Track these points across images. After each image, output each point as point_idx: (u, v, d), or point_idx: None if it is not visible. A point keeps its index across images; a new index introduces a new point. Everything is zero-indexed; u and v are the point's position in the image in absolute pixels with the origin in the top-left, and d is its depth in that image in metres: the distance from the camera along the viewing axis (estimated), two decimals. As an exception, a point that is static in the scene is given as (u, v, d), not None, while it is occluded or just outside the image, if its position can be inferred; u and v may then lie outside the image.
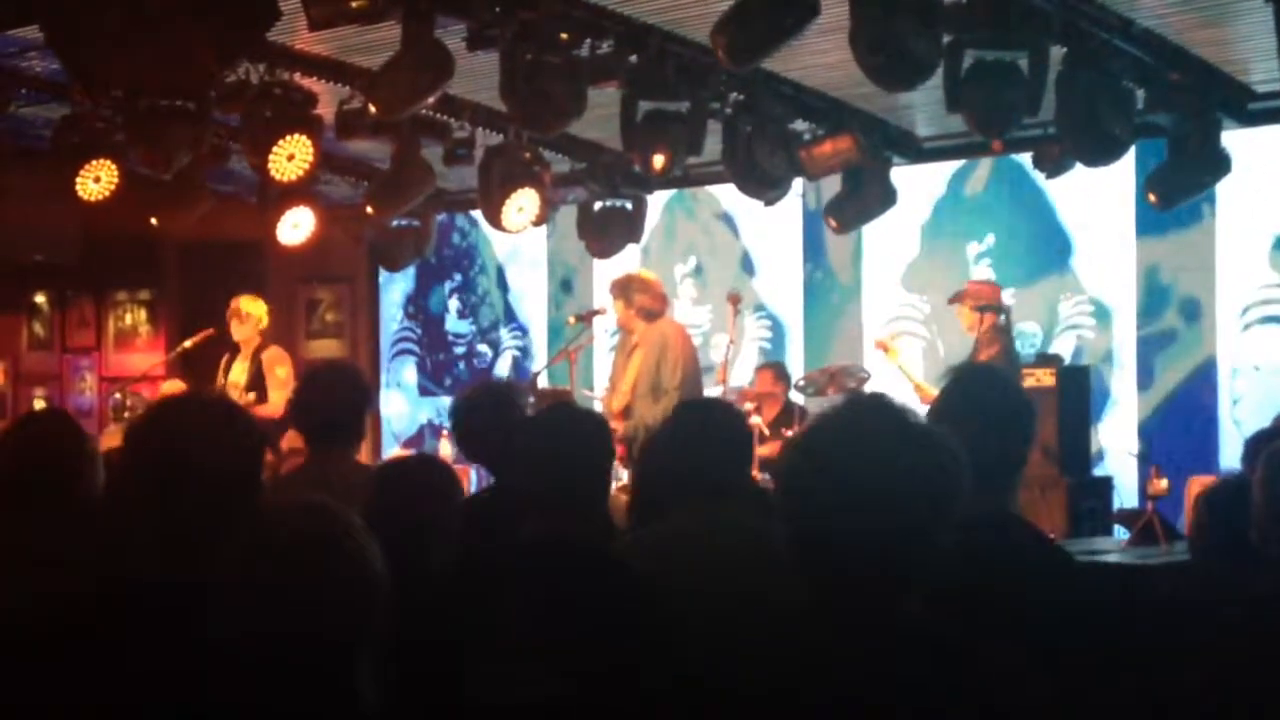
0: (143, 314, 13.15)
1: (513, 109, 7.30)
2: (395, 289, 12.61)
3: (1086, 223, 9.48)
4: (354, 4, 6.28)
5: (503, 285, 12.06)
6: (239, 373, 9.13)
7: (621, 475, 7.67)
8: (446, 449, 9.17)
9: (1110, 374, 9.36)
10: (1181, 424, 9.06)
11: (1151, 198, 8.03)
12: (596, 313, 9.45)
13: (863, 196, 8.98)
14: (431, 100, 7.23)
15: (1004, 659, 2.31)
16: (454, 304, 12.31)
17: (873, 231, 9.79)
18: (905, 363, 8.85)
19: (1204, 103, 7.65)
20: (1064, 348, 9.39)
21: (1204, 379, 9.03)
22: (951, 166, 9.89)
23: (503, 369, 11.97)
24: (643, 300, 8.38)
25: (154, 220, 9.69)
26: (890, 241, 10.07)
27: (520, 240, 10.79)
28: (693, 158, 8.04)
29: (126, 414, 11.56)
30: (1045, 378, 8.16)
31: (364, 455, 7.16)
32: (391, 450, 11.87)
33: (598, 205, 9.87)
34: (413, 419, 12.47)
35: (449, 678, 2.53)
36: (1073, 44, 6.84)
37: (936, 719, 2.17)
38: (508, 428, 4.35)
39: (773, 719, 2.21)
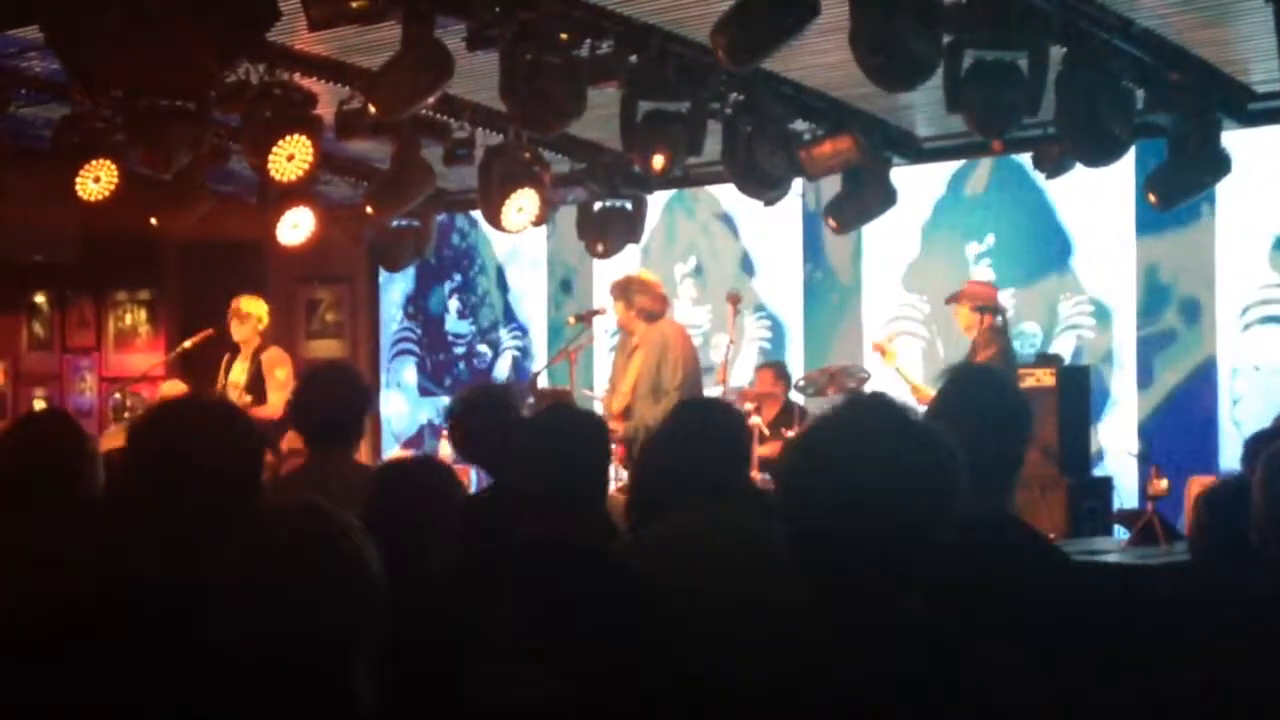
0: (143, 314, 13.16)
1: (513, 109, 7.30)
2: (395, 289, 12.61)
3: (1086, 223, 9.48)
4: (354, 4, 6.28)
5: (502, 285, 12.06)
6: (239, 373, 9.13)
7: (621, 475, 7.67)
8: (446, 449, 9.17)
9: (1110, 374, 9.37)
10: (1181, 424, 9.06)
11: (1151, 198, 8.03)
12: (596, 313, 9.45)
13: (863, 197, 8.98)
14: (431, 100, 7.23)
15: (1003, 659, 2.31)
16: (454, 304, 12.32)
17: (873, 231, 9.79)
18: (902, 365, 8.86)
19: (1204, 103, 7.65)
20: (1064, 348, 9.39)
21: (1204, 379, 9.03)
22: (951, 166, 9.89)
23: (503, 369, 11.97)
24: (643, 301, 8.38)
25: (154, 220, 9.69)
26: (890, 241, 10.07)
27: (520, 240, 10.79)
28: (693, 158, 8.05)
29: (126, 414, 11.55)
30: (1045, 378, 8.17)
31: (364, 455, 7.18)
32: (391, 450, 11.88)
33: (598, 205, 9.87)
34: (413, 419, 12.47)
35: (449, 678, 2.53)
36: (1073, 44, 6.84)
37: (936, 718, 2.17)
38: (505, 429, 4.35)
39: (773, 719, 2.21)
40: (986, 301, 8.51)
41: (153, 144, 8.09)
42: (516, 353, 11.94)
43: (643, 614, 2.56)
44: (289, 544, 2.22)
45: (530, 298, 11.90)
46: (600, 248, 9.93)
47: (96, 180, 8.82)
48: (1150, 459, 8.17)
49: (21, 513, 3.66)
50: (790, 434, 8.15)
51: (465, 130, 8.98)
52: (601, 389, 9.56)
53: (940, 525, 2.25)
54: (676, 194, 10.89)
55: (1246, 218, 8.83)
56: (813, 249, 10.51)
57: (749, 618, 2.46)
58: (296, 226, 9.70)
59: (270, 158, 8.09)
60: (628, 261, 10.11)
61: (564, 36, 7.01)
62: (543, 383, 9.39)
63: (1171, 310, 9.18)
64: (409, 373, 12.56)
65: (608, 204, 9.83)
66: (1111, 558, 6.44)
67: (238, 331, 9.18)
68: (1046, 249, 9.63)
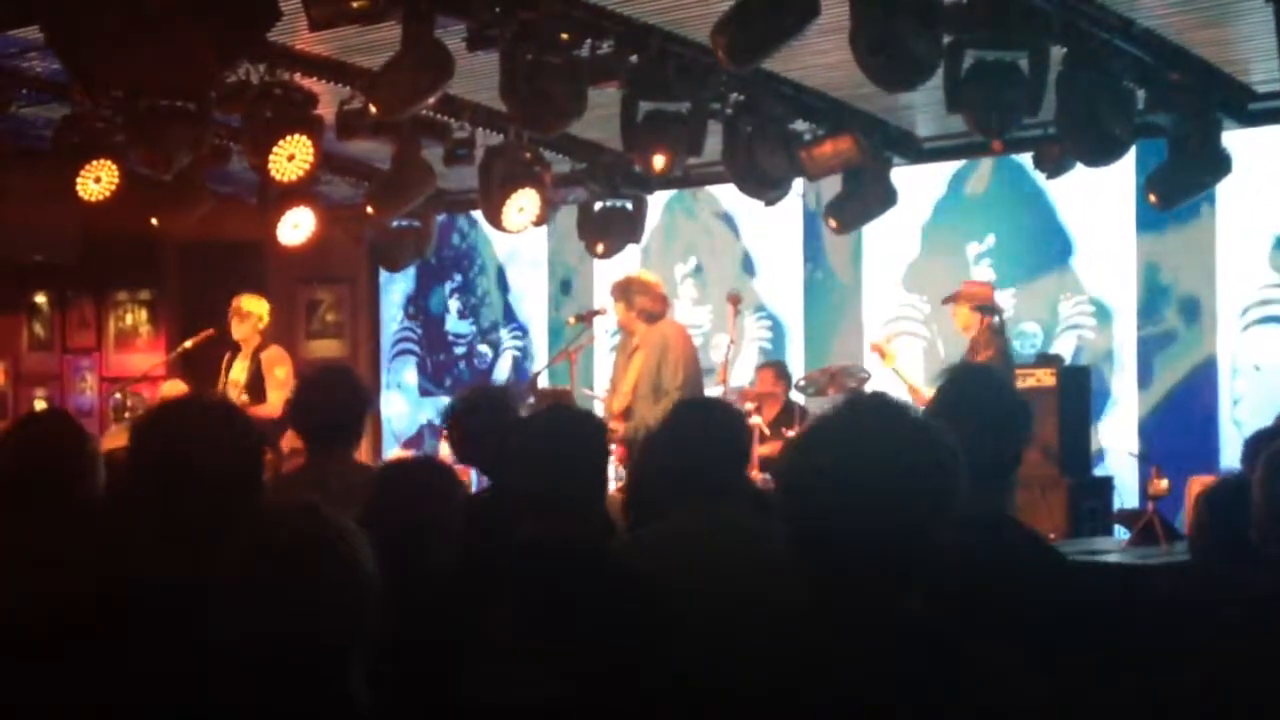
0: (143, 314, 13.16)
1: (513, 109, 7.30)
2: (396, 289, 12.62)
3: (1087, 223, 9.48)
4: (354, 4, 6.29)
5: (503, 286, 12.06)
6: (239, 371, 9.14)
7: (621, 475, 7.67)
8: (446, 450, 9.17)
9: (1111, 374, 9.37)
10: (1182, 424, 9.06)
11: (1152, 198, 8.03)
12: (597, 313, 9.45)
13: (863, 197, 8.98)
14: (432, 100, 7.23)
15: (1003, 658, 2.31)
16: (454, 304, 12.31)
17: (873, 231, 9.79)
18: (900, 365, 8.87)
19: (1204, 103, 7.65)
20: (1064, 348, 9.40)
21: (1204, 379, 9.03)
22: (952, 166, 9.89)
23: (503, 369, 11.97)
24: (643, 302, 8.38)
25: (154, 220, 9.69)
26: (890, 241, 10.07)
27: (520, 241, 10.79)
28: (693, 158, 8.05)
29: (127, 414, 11.55)
30: (1045, 378, 8.17)
31: (365, 456, 7.19)
32: (392, 451, 11.88)
33: (598, 205, 9.87)
34: (413, 420, 12.47)
35: (448, 678, 2.53)
36: (1073, 44, 6.84)
37: (936, 718, 2.17)
38: (503, 431, 4.36)
39: (772, 719, 2.21)
40: (986, 301, 8.52)
41: (153, 144, 8.09)
42: (517, 353, 11.94)
43: (642, 614, 2.56)
44: (286, 545, 2.22)
45: (530, 298, 11.90)
46: (600, 248, 9.93)
47: (97, 180, 8.82)
48: (1151, 459, 8.17)
49: (22, 513, 3.66)
50: (791, 434, 8.15)
51: (466, 130, 8.98)
52: (602, 389, 9.56)
53: (940, 525, 2.25)
54: (677, 194, 10.89)
55: (1246, 218, 8.83)
56: (813, 249, 10.51)
57: (749, 618, 2.46)
58: (297, 227, 9.70)
59: (271, 158, 8.09)
60: (628, 262, 10.11)
61: (564, 36, 7.01)
62: (543, 383, 9.39)
63: (1172, 310, 9.18)
64: (409, 373, 12.56)
65: (608, 204, 9.83)
66: (1112, 558, 6.43)
67: (238, 330, 9.18)
68: (1047, 249, 9.63)
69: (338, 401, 4.64)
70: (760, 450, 8.55)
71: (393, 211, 9.64)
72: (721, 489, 3.48)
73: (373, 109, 7.40)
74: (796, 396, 9.45)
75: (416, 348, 12.53)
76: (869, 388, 8.84)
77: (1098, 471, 8.78)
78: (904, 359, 9.08)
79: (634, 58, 7.37)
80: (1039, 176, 8.95)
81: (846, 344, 10.16)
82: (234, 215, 10.26)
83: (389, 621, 2.46)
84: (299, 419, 4.79)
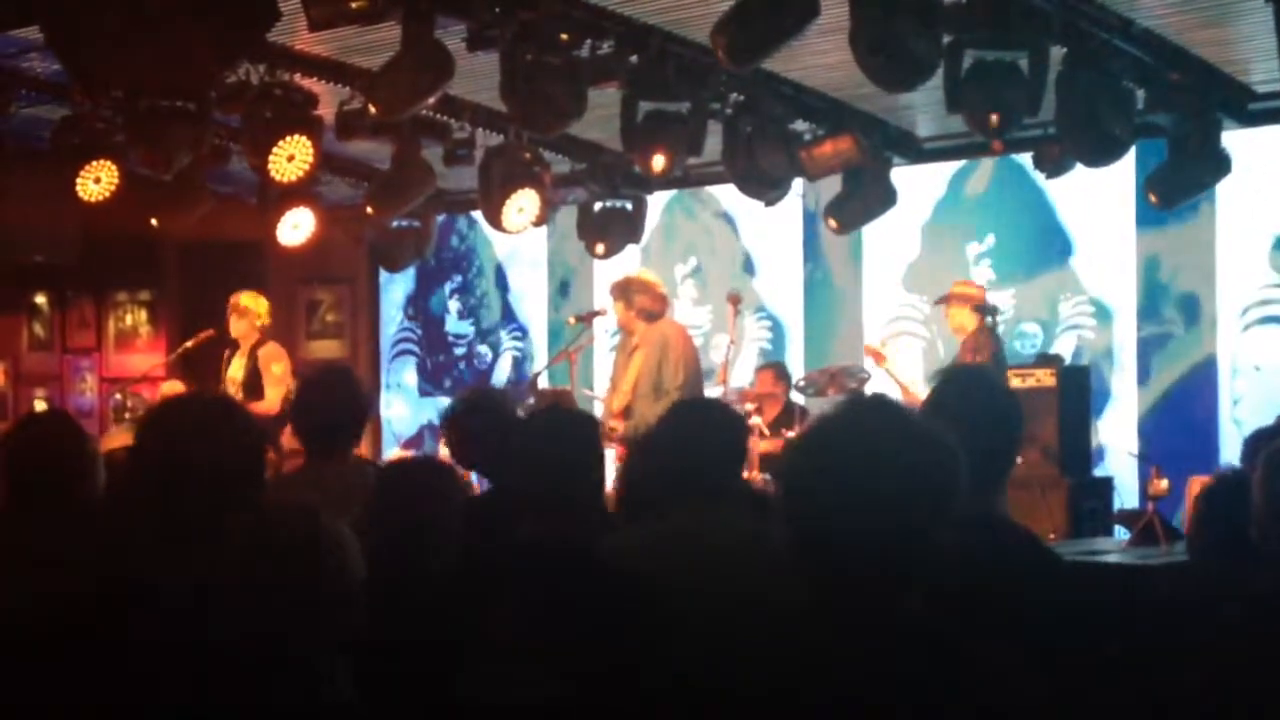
0: (143, 314, 13.15)
1: (513, 110, 7.30)
2: (396, 290, 12.61)
3: (1087, 223, 9.48)
4: (354, 4, 6.28)
5: (503, 286, 12.06)
6: (236, 369, 9.14)
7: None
8: (446, 451, 9.17)
9: (1110, 374, 9.37)
10: (1182, 424, 9.06)
11: (1152, 198, 8.04)
12: (596, 313, 9.46)
13: (863, 197, 8.98)
14: (432, 101, 7.23)
15: (1003, 658, 2.31)
16: (454, 305, 12.31)
17: (873, 231, 9.79)
18: (894, 367, 8.86)
19: (1204, 103, 7.65)
20: (1064, 348, 9.40)
21: (1204, 379, 9.03)
22: (952, 167, 9.89)
23: (503, 370, 11.97)
24: (643, 301, 8.39)
25: (154, 221, 9.69)
26: (890, 241, 10.07)
27: (520, 241, 10.79)
28: (693, 158, 8.05)
29: (127, 415, 11.55)
30: (1045, 378, 8.16)
31: (365, 456, 7.17)
32: (392, 451, 11.87)
33: (598, 206, 9.87)
34: (413, 420, 12.47)
35: (448, 677, 2.53)
36: (1073, 44, 6.84)
37: (936, 718, 2.17)
38: (501, 432, 4.36)
39: (772, 719, 2.21)
40: (983, 302, 8.55)
41: (153, 144, 8.09)
42: (516, 354, 11.93)
43: (642, 614, 2.56)
44: (279, 549, 2.22)
45: (530, 298, 11.90)
46: (600, 248, 9.93)
47: (97, 181, 8.82)
48: (1151, 459, 8.16)
49: (22, 513, 3.66)
50: (791, 434, 8.16)
51: (465, 131, 8.98)
52: (602, 390, 9.56)
53: (940, 525, 2.25)
54: (676, 194, 10.89)
55: (1246, 218, 8.83)
56: (813, 249, 10.51)
57: (748, 617, 2.46)
58: (297, 227, 9.70)
59: (270, 158, 8.09)
60: (628, 262, 10.10)
61: (564, 37, 7.01)
62: (543, 383, 9.39)
63: (1172, 310, 9.18)
64: (409, 374, 12.56)
65: (608, 204, 9.83)
66: (1112, 558, 6.43)
67: (236, 327, 9.19)
68: (1047, 249, 9.63)
69: (337, 402, 4.63)
70: (762, 445, 8.58)
71: (393, 212, 9.64)
72: (720, 489, 3.48)
73: (373, 109, 7.39)
74: (796, 397, 9.45)
75: (416, 348, 12.53)
76: (869, 388, 8.85)
77: (1098, 471, 8.78)
78: (899, 360, 9.09)
79: (634, 58, 7.37)
80: (1039, 176, 8.95)
81: (846, 344, 10.16)
82: (234, 215, 10.26)
83: (390, 621, 2.46)
84: (298, 420, 4.79)
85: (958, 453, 2.28)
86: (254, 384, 8.97)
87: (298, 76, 8.16)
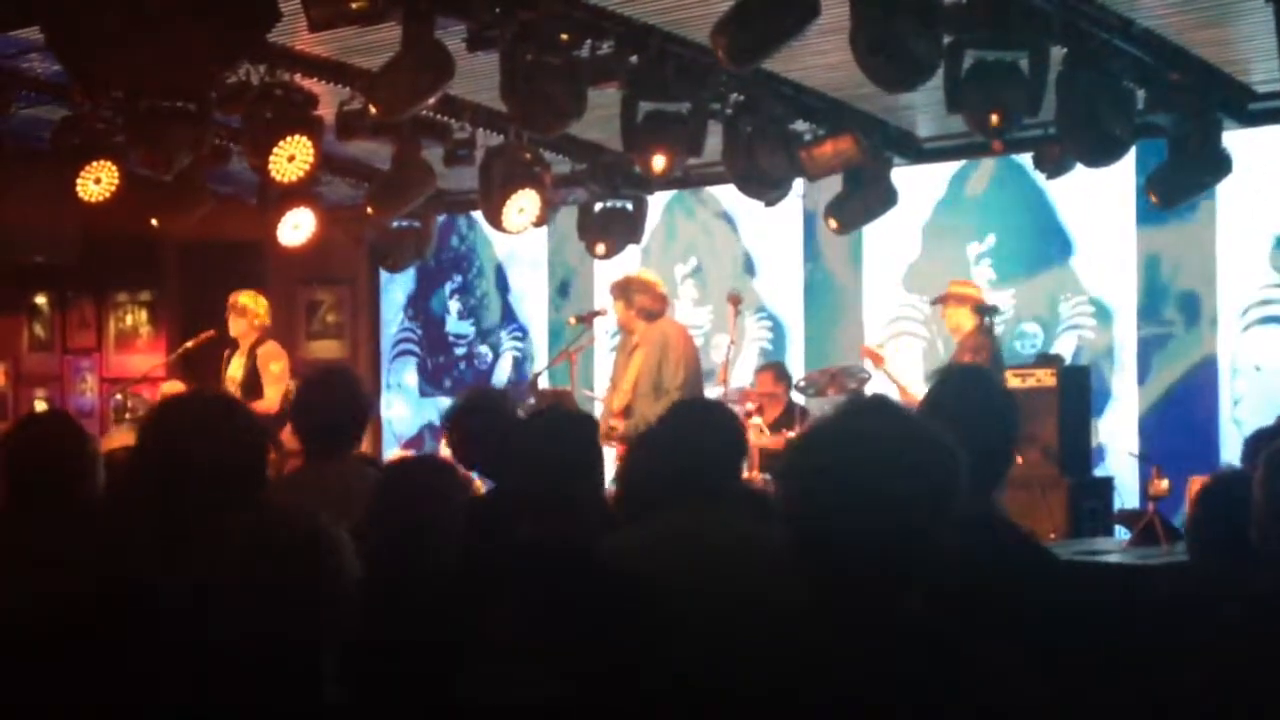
0: (143, 315, 13.15)
1: (513, 110, 7.30)
2: (396, 290, 12.61)
3: (1087, 223, 9.48)
4: (354, 5, 6.28)
5: (503, 286, 12.06)
6: (236, 368, 9.15)
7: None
8: (446, 451, 9.17)
9: (1111, 374, 9.37)
10: (1182, 424, 9.06)
11: (1152, 198, 8.04)
12: (597, 313, 9.46)
13: (863, 197, 8.98)
14: (432, 101, 7.23)
15: (1003, 658, 2.31)
16: (455, 305, 12.31)
17: (873, 232, 9.79)
18: (891, 368, 8.87)
19: (1204, 103, 7.65)
20: (1065, 348, 9.40)
21: (1204, 379, 9.03)
22: (952, 167, 9.89)
23: (503, 371, 11.97)
24: (643, 301, 8.39)
25: (154, 221, 9.69)
26: (890, 241, 10.07)
27: (520, 241, 10.79)
28: (693, 158, 8.04)
29: (127, 415, 11.55)
30: (1046, 378, 8.15)
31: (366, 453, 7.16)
32: (392, 451, 11.87)
33: (598, 206, 9.87)
34: (413, 421, 12.47)
35: (448, 677, 2.53)
36: (1073, 44, 6.84)
37: (936, 718, 2.17)
38: (501, 433, 4.36)
39: (772, 719, 2.21)
40: (982, 302, 8.56)
41: (153, 145, 8.09)
42: (517, 354, 11.93)
43: (642, 614, 2.56)
44: (278, 548, 2.22)
45: (530, 299, 11.90)
46: (601, 248, 9.93)
47: (97, 181, 8.81)
48: (1151, 459, 8.16)
49: (22, 513, 3.66)
50: (792, 434, 8.16)
51: (466, 131, 8.98)
52: (602, 390, 9.56)
53: (940, 525, 2.25)
54: (677, 194, 10.89)
55: (1247, 218, 8.82)
56: (812, 249, 10.51)
57: (748, 617, 2.46)
58: (297, 227, 9.70)
59: (271, 158, 8.09)
60: (628, 262, 10.11)
61: (564, 37, 7.01)
62: (543, 384, 9.40)
63: (1172, 310, 9.18)
64: (409, 374, 12.56)
65: (608, 204, 9.83)
66: (1112, 558, 6.43)
67: (234, 326, 9.19)
68: (1047, 249, 9.63)
69: (337, 402, 4.62)
70: (763, 442, 8.60)
71: (393, 212, 9.64)
72: (720, 489, 3.48)
73: (373, 110, 7.39)
74: (797, 397, 9.45)
75: (417, 349, 12.53)
76: (869, 388, 8.85)
77: (1098, 471, 8.78)
78: (899, 361, 9.09)
79: (634, 58, 7.37)
80: (1039, 176, 8.95)
81: (846, 344, 10.15)
82: (234, 216, 10.26)
83: (390, 621, 2.46)
84: (298, 420, 4.79)
85: (957, 453, 2.28)
86: (253, 383, 8.98)
87: (298, 77, 8.16)
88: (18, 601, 3.02)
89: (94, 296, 13.29)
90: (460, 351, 12.27)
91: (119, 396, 11.89)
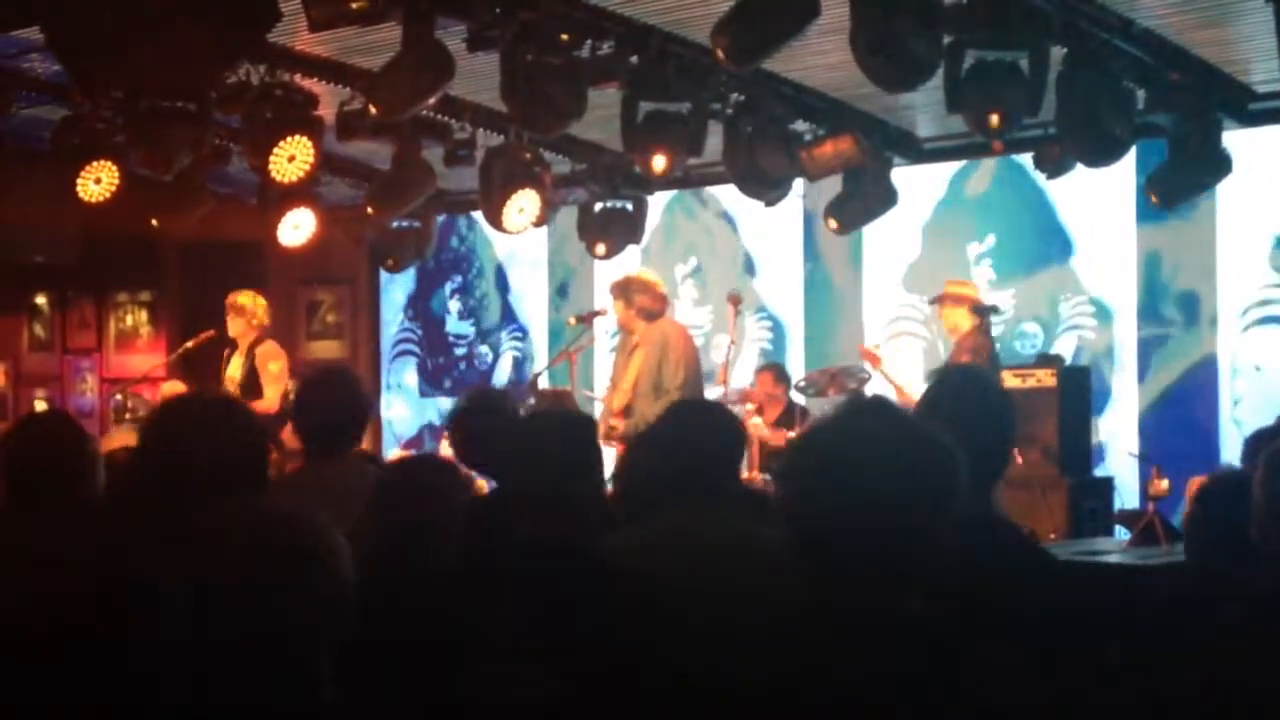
0: (143, 315, 13.16)
1: (513, 110, 7.30)
2: (396, 290, 12.62)
3: (1087, 223, 9.48)
4: (354, 5, 6.28)
5: (503, 287, 12.06)
6: (235, 368, 9.16)
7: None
8: (447, 450, 9.17)
9: (1111, 374, 9.37)
10: (1182, 424, 9.06)
11: (1152, 198, 8.04)
12: (597, 314, 9.46)
13: (863, 197, 8.98)
14: (432, 101, 7.23)
15: (1003, 658, 2.31)
16: (455, 305, 12.31)
17: (873, 232, 9.79)
18: (889, 369, 8.88)
19: (1204, 103, 7.65)
20: (1064, 348, 9.40)
21: (1204, 379, 9.03)
22: (952, 167, 9.89)
23: (503, 371, 11.97)
24: (643, 300, 8.40)
25: (154, 221, 9.69)
26: (890, 242, 10.07)
27: (520, 242, 10.79)
28: (693, 158, 8.04)
29: (127, 415, 11.56)
30: (1046, 378, 8.15)
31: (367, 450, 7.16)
32: (392, 452, 11.87)
33: (598, 206, 9.87)
34: (413, 421, 12.47)
35: (448, 677, 2.53)
36: (1073, 44, 6.84)
37: (936, 718, 2.17)
38: (504, 433, 4.36)
39: (772, 719, 2.21)
40: (979, 302, 8.56)
41: (153, 145, 8.09)
42: (517, 354, 11.94)
43: (642, 614, 2.56)
44: (278, 548, 2.22)
45: (530, 299, 11.90)
46: (601, 248, 9.93)
47: (97, 181, 8.81)
48: (1151, 459, 8.16)
49: (22, 513, 3.66)
50: (792, 434, 8.17)
51: (466, 131, 8.98)
52: (602, 390, 9.57)
53: (940, 525, 2.25)
54: (677, 194, 10.89)
55: (1247, 218, 8.83)
56: (812, 249, 10.51)
57: (748, 617, 2.46)
58: (297, 228, 9.70)
59: (271, 159, 8.09)
60: (628, 262, 10.10)
61: (564, 37, 7.01)
62: (543, 384, 9.40)
63: (1172, 310, 9.18)
64: (409, 374, 12.56)
65: (608, 205, 9.83)
66: (1112, 558, 6.43)
67: (233, 326, 9.20)
68: (1047, 249, 9.63)
69: (337, 402, 4.62)
70: (765, 435, 8.61)
71: (393, 212, 9.64)
72: (719, 489, 3.48)
73: (373, 110, 7.39)
74: (797, 397, 9.46)
75: (417, 349, 12.53)
76: (869, 388, 8.85)
77: (1098, 471, 8.78)
78: (899, 361, 9.10)
79: (634, 58, 7.37)
80: (1039, 176, 8.95)
81: (846, 344, 10.15)
82: (234, 216, 10.26)
83: (390, 621, 2.46)
84: (299, 420, 4.79)
85: (956, 453, 2.29)
86: (252, 383, 8.98)
87: (298, 77, 8.16)
88: (18, 601, 3.02)
89: (94, 296, 13.30)
90: (460, 352, 12.27)
91: (119, 396, 11.89)
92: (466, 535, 3.57)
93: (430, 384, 12.41)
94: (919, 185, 9.74)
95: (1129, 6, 6.99)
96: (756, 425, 8.81)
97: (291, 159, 8.13)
